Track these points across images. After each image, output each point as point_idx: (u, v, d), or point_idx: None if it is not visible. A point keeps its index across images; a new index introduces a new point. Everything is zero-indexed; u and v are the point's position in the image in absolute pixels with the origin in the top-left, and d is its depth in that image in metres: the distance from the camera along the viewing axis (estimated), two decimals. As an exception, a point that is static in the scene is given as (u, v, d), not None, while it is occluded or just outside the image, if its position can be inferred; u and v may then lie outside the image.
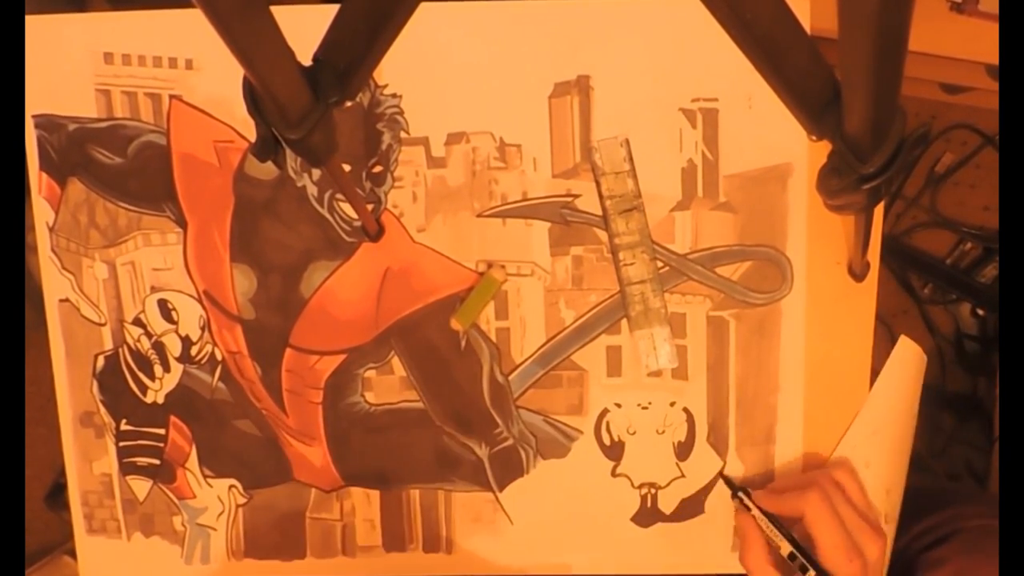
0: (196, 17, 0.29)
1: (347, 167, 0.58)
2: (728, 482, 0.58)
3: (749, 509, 0.54)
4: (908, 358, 0.59)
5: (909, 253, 1.07)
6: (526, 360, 0.59)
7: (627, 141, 0.57)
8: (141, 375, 0.61)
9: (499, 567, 0.61)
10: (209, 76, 0.58)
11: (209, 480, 0.61)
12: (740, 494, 0.55)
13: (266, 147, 0.37)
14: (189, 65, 0.58)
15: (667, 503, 0.59)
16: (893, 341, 0.59)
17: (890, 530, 0.58)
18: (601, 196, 0.57)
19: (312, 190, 0.58)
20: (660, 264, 0.57)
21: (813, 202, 0.57)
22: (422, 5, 0.37)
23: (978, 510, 0.62)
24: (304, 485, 0.61)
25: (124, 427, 0.61)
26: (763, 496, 0.54)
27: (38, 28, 0.58)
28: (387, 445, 0.60)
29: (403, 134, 0.58)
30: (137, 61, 0.58)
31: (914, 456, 0.60)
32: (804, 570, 0.50)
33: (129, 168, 0.59)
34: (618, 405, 0.59)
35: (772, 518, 0.53)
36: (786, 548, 0.51)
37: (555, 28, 0.56)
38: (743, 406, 0.58)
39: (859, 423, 0.58)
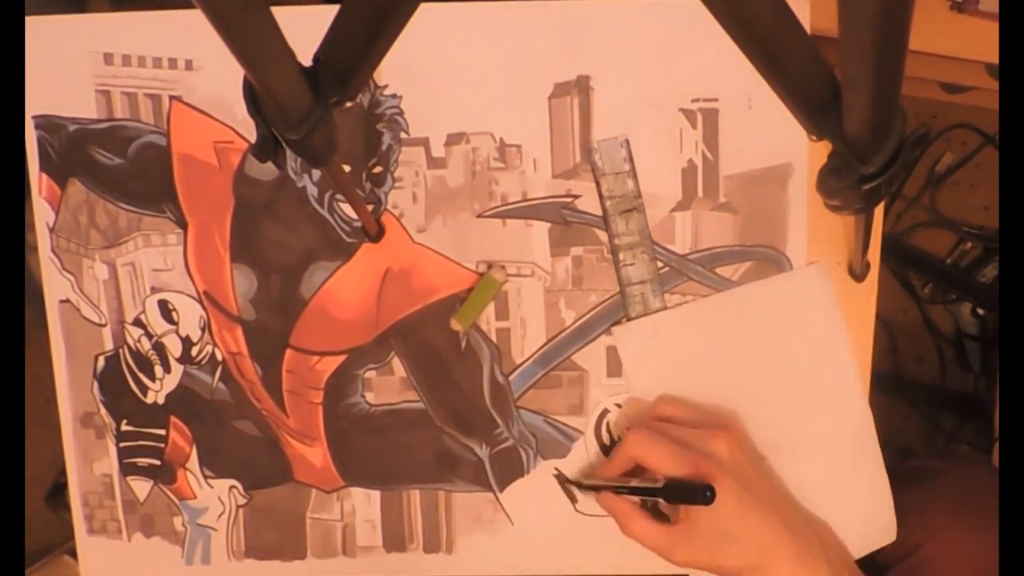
0: (196, 17, 0.29)
1: (347, 168, 0.58)
2: (568, 481, 0.58)
3: (596, 489, 0.54)
4: (632, 334, 0.58)
5: (909, 253, 1.07)
6: (526, 360, 0.59)
7: (627, 141, 0.57)
8: (141, 376, 0.61)
9: (499, 567, 0.60)
10: (209, 77, 0.58)
11: (209, 481, 0.61)
12: (579, 484, 0.56)
13: (266, 148, 0.37)
14: (189, 66, 0.58)
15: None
16: (893, 341, 0.59)
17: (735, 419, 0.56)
18: (601, 196, 0.57)
19: (312, 191, 0.58)
20: (660, 264, 0.57)
21: (813, 202, 0.57)
22: (422, 5, 0.37)
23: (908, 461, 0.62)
24: (304, 485, 0.61)
25: (124, 428, 0.61)
26: (601, 470, 0.54)
27: (38, 28, 0.58)
28: (387, 445, 0.60)
29: (403, 134, 0.58)
30: (137, 62, 0.58)
31: (914, 456, 0.60)
32: (673, 498, 0.49)
33: (129, 169, 0.59)
34: (618, 405, 0.59)
35: (617, 482, 0.53)
36: (624, 484, 0.51)
37: (555, 28, 0.56)
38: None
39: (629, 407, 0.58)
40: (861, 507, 0.57)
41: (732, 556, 0.48)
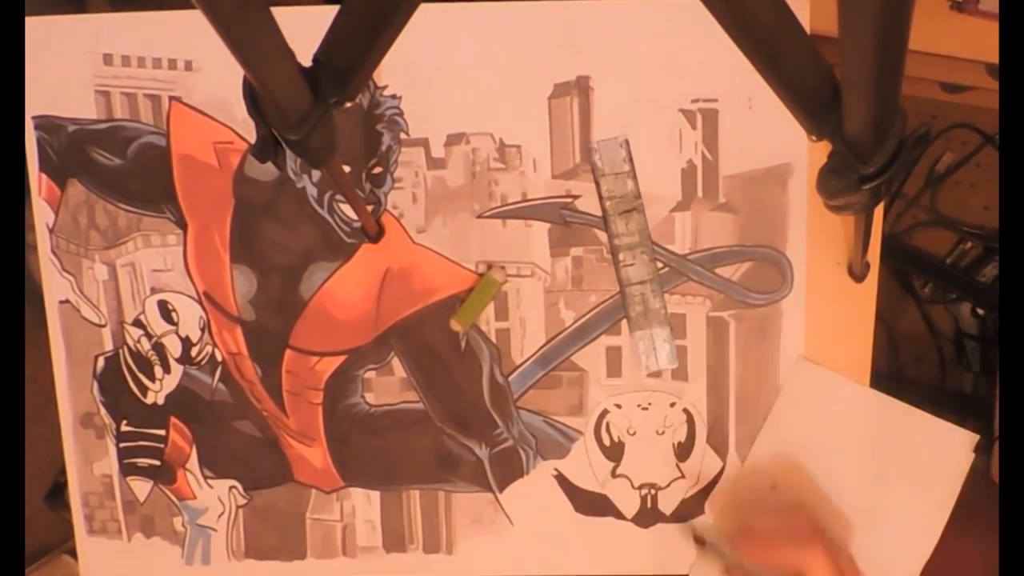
0: (196, 18, 0.29)
1: (347, 168, 0.58)
2: (700, 540, 0.56)
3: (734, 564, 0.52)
4: (813, 382, 0.58)
5: (909, 253, 1.07)
6: (526, 361, 0.59)
7: (627, 142, 0.57)
8: (141, 376, 0.61)
9: (499, 568, 0.60)
10: (209, 77, 0.58)
11: (209, 481, 0.61)
12: (725, 552, 0.53)
13: (266, 148, 0.37)
14: (189, 66, 0.58)
15: (667, 504, 0.59)
16: (894, 341, 0.59)
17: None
18: (601, 197, 0.57)
19: (312, 191, 0.58)
20: (660, 265, 0.57)
21: (813, 202, 0.57)
22: (422, 6, 0.37)
23: None
24: (304, 486, 0.61)
25: (124, 428, 0.61)
26: (756, 548, 0.52)
27: (38, 29, 0.58)
28: (387, 446, 0.60)
29: (403, 135, 0.58)
30: (137, 62, 0.58)
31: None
32: None
33: (129, 169, 0.59)
34: (618, 406, 0.59)
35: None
36: None
37: (555, 28, 0.56)
38: (743, 406, 0.58)
39: (761, 440, 0.58)
40: None
41: None
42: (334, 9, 0.36)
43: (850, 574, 0.50)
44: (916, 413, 0.57)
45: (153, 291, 0.60)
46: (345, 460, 0.60)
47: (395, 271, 0.59)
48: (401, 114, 0.58)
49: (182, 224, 0.59)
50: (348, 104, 0.39)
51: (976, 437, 0.56)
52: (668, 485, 0.59)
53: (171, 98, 0.58)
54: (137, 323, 0.60)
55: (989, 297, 1.02)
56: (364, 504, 0.61)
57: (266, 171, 0.58)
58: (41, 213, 0.60)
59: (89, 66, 0.58)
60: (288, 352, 0.60)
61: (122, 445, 0.61)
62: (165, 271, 0.60)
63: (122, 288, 0.60)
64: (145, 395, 0.61)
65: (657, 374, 0.58)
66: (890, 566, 0.57)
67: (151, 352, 0.60)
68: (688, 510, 0.59)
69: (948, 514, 0.57)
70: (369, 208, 0.58)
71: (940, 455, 0.57)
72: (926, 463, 0.57)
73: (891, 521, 0.57)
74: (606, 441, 0.59)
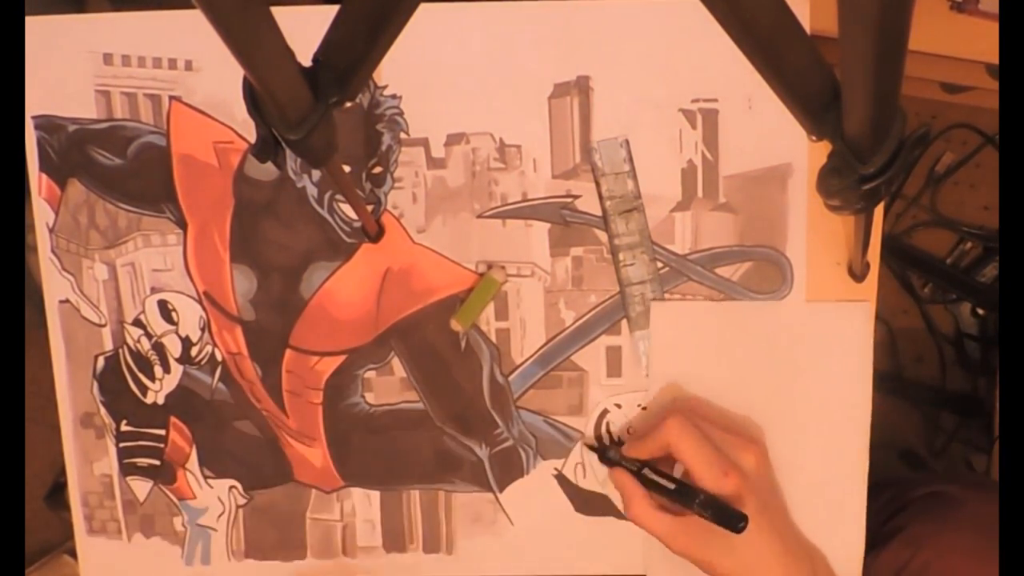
0: (196, 18, 0.29)
1: (347, 168, 0.58)
2: (592, 447, 0.57)
3: (619, 463, 0.53)
4: (668, 315, 0.57)
5: (909, 253, 1.07)
6: (526, 361, 0.59)
7: (627, 142, 0.57)
8: (141, 376, 0.61)
9: (499, 567, 0.60)
10: (209, 77, 0.58)
11: (209, 481, 0.61)
12: (609, 453, 0.54)
13: (266, 148, 0.37)
14: (189, 66, 0.58)
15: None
16: (893, 341, 0.59)
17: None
18: (601, 197, 0.57)
19: (312, 191, 0.58)
20: (660, 265, 0.57)
21: (813, 202, 0.57)
22: (422, 5, 0.37)
23: (924, 477, 0.62)
24: (304, 486, 0.61)
25: (124, 428, 0.61)
26: (630, 448, 0.54)
27: (38, 28, 0.58)
28: (387, 446, 0.60)
29: (403, 135, 0.58)
30: (137, 62, 0.58)
31: (914, 456, 0.60)
32: (689, 499, 0.48)
33: (129, 169, 0.59)
34: (618, 406, 0.59)
35: (644, 464, 0.52)
36: (659, 480, 0.50)
37: (555, 28, 0.56)
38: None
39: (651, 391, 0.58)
40: (835, 550, 0.57)
41: (727, 563, 0.50)
42: (334, 9, 0.36)
43: (713, 432, 0.51)
44: (804, 306, 0.57)
45: (153, 291, 0.60)
46: (345, 460, 0.61)
47: (395, 271, 0.59)
48: (401, 114, 0.58)
49: (182, 224, 0.59)
50: (348, 104, 0.39)
51: (868, 304, 0.56)
52: (668, 485, 0.59)
53: (171, 98, 0.58)
54: (137, 323, 0.60)
55: (989, 297, 1.02)
56: (364, 504, 0.61)
57: (266, 171, 0.58)
58: (41, 213, 0.60)
59: (89, 66, 0.58)
60: (288, 352, 0.60)
61: (122, 445, 0.61)
62: (165, 271, 0.60)
63: (122, 288, 0.60)
64: (145, 395, 0.61)
65: (657, 374, 0.58)
66: (837, 451, 0.57)
67: (151, 352, 0.60)
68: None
69: (870, 387, 0.56)
70: (369, 208, 0.58)
71: (841, 336, 0.57)
72: (830, 349, 0.57)
73: (815, 413, 0.57)
74: (606, 441, 0.59)
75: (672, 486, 0.50)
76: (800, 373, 0.57)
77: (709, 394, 0.57)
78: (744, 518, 0.47)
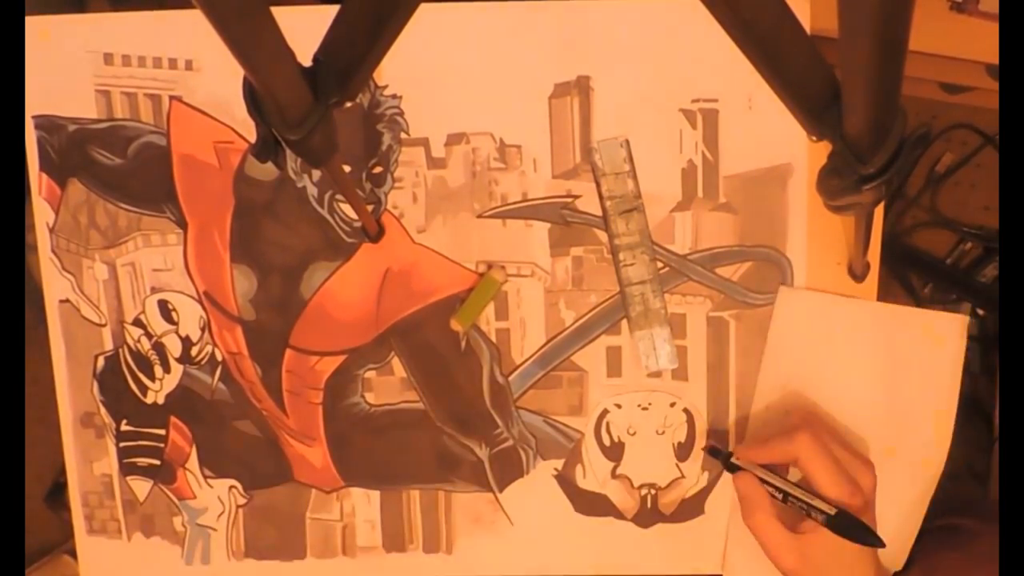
0: (196, 17, 0.29)
1: (347, 168, 0.58)
2: (713, 451, 0.56)
3: (741, 468, 0.53)
4: (793, 303, 0.57)
5: (909, 253, 1.07)
6: (526, 361, 0.59)
7: (627, 142, 0.57)
8: (141, 376, 0.61)
9: (499, 567, 0.60)
10: (209, 77, 0.58)
11: (209, 480, 0.61)
12: (732, 459, 0.54)
13: (266, 148, 0.37)
14: (189, 66, 0.58)
15: (667, 504, 0.59)
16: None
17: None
18: (601, 197, 0.57)
19: (312, 191, 0.58)
20: (660, 265, 0.57)
21: (813, 202, 0.57)
22: (422, 5, 0.37)
23: (937, 507, 0.62)
24: (304, 486, 0.61)
25: (124, 428, 0.61)
26: (750, 450, 0.53)
27: (38, 28, 0.58)
28: (387, 446, 0.60)
29: (403, 135, 0.58)
30: (137, 62, 0.58)
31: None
32: (822, 513, 0.49)
33: (129, 169, 0.59)
34: (618, 406, 0.59)
35: (767, 469, 0.52)
36: (795, 492, 0.50)
37: (555, 28, 0.56)
38: (743, 406, 0.58)
39: (763, 379, 0.58)
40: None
41: None
42: (334, 9, 0.36)
43: (837, 450, 0.51)
44: (903, 310, 0.58)
45: (153, 291, 0.60)
46: (345, 460, 0.61)
47: (395, 271, 0.59)
48: (401, 114, 0.58)
49: (182, 224, 0.59)
50: (348, 104, 0.39)
51: (967, 319, 0.58)
52: (668, 485, 0.59)
53: (171, 98, 0.58)
54: (137, 323, 0.60)
55: (989, 297, 1.02)
56: (364, 504, 0.61)
57: (266, 171, 0.58)
58: (41, 213, 0.60)
59: (89, 66, 0.58)
60: (288, 352, 0.60)
61: (122, 445, 0.61)
62: (165, 271, 0.60)
63: (122, 288, 0.60)
64: (145, 395, 0.61)
65: (657, 374, 0.58)
66: (916, 460, 0.58)
67: (151, 352, 0.60)
68: (688, 510, 0.60)
69: (956, 397, 0.57)
70: (369, 208, 0.58)
71: (937, 343, 0.57)
72: (925, 355, 0.57)
73: (907, 417, 0.58)
74: (606, 441, 0.59)
75: (806, 498, 0.50)
76: (896, 384, 0.57)
77: (816, 394, 0.58)
78: (879, 539, 0.48)
